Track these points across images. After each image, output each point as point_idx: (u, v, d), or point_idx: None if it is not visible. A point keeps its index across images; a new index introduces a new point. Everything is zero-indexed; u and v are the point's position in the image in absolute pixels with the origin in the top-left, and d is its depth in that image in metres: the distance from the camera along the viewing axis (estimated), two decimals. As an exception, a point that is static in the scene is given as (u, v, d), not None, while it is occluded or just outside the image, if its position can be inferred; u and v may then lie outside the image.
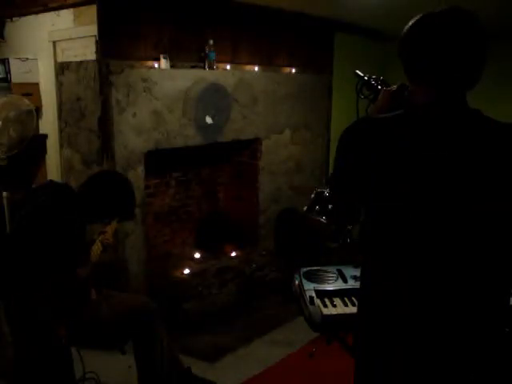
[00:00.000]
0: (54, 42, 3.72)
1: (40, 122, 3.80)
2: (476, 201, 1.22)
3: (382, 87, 1.57)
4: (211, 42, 3.64)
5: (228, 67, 3.93)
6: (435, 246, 1.24)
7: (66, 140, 3.51)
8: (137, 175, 3.33)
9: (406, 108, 1.31)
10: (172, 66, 3.50)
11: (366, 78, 1.65)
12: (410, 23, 1.28)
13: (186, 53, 3.66)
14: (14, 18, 3.90)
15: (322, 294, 2.08)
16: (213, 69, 3.70)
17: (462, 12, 1.23)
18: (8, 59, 3.79)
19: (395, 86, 1.46)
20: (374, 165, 1.26)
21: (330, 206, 3.02)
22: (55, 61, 3.70)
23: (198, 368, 2.82)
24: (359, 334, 1.45)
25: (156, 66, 3.43)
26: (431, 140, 1.22)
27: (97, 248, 2.39)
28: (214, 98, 3.69)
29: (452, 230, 1.23)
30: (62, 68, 3.42)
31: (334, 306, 2.01)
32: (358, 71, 1.70)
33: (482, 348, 1.30)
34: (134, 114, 3.25)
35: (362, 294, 1.46)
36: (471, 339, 1.28)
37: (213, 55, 3.67)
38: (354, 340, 1.49)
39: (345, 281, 2.22)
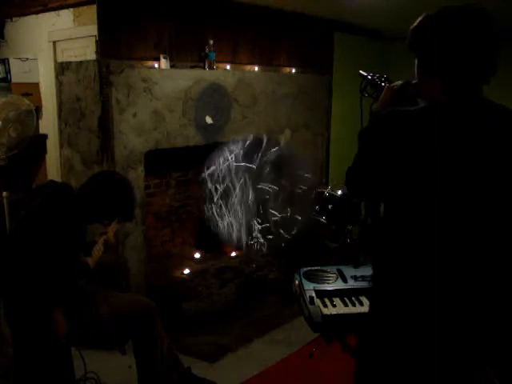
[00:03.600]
0: (54, 42, 3.72)
1: (40, 121, 3.80)
2: (488, 200, 1.23)
3: (385, 84, 1.60)
4: (211, 42, 3.64)
5: (228, 67, 3.94)
6: (447, 245, 1.24)
7: (65, 140, 3.51)
8: (137, 175, 3.33)
9: (415, 101, 1.33)
10: (172, 66, 3.50)
11: (369, 77, 1.68)
12: (423, 16, 1.30)
13: (185, 53, 3.66)
14: (13, 18, 3.90)
15: (321, 294, 2.08)
16: (213, 69, 3.70)
17: (476, 9, 1.24)
18: (8, 59, 3.79)
19: (399, 82, 1.48)
20: (391, 160, 1.27)
21: (330, 206, 3.03)
22: (55, 61, 3.70)
23: (198, 368, 2.82)
24: (371, 334, 1.44)
25: (156, 66, 3.43)
26: (445, 138, 1.23)
27: (98, 249, 2.39)
28: (214, 98, 3.70)
29: (464, 228, 1.24)
30: (62, 68, 3.42)
31: (334, 306, 2.01)
32: (361, 71, 1.73)
33: (490, 348, 1.31)
34: (134, 114, 3.25)
35: (375, 294, 1.45)
36: (479, 339, 1.29)
37: (213, 55, 3.67)
38: (360, 339, 1.49)
39: (345, 281, 2.22)
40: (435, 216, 1.23)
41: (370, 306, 1.49)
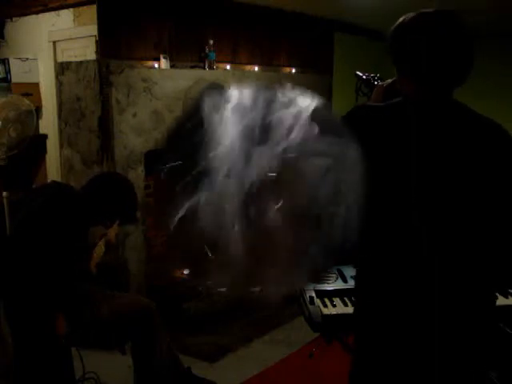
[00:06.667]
0: (54, 42, 3.73)
1: (40, 121, 3.80)
2: (461, 197, 1.23)
3: (377, 83, 1.62)
4: (211, 42, 3.64)
5: (228, 67, 3.94)
6: (430, 241, 1.24)
7: (65, 140, 3.51)
8: (137, 175, 3.33)
9: (395, 98, 1.34)
10: (172, 66, 3.50)
11: (364, 77, 1.71)
12: (401, 20, 1.31)
13: (185, 53, 3.66)
14: (14, 18, 3.90)
15: (322, 294, 2.08)
16: (213, 69, 3.70)
17: (450, 14, 1.26)
18: (8, 59, 3.79)
19: (389, 81, 1.50)
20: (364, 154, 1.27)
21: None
22: (55, 61, 3.70)
23: (198, 368, 2.82)
24: (360, 333, 1.44)
25: (156, 66, 3.43)
26: (423, 137, 1.24)
27: (99, 250, 2.39)
28: (214, 98, 3.69)
29: (442, 223, 1.24)
30: (62, 68, 3.42)
31: (334, 306, 2.01)
32: (358, 72, 1.75)
33: (478, 343, 1.31)
34: (134, 114, 3.25)
35: (361, 293, 1.45)
36: (468, 335, 1.29)
37: (213, 55, 3.67)
38: (355, 340, 1.49)
39: (345, 281, 2.22)
40: (412, 210, 1.23)
41: (357, 306, 1.48)
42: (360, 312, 1.43)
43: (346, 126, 1.24)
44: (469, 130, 1.25)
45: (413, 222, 1.24)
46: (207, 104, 0.95)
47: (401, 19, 1.31)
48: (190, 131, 0.98)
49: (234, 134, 0.93)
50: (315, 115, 0.96)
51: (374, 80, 1.69)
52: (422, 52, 1.26)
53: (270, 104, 0.95)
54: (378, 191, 1.27)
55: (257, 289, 0.98)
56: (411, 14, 1.29)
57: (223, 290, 1.02)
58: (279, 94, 0.96)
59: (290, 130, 0.93)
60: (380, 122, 1.28)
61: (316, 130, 0.95)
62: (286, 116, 0.94)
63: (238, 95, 0.95)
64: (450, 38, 1.23)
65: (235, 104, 0.95)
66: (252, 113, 0.94)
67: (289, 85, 0.99)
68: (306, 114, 0.94)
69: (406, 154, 1.24)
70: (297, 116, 0.94)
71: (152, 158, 3.42)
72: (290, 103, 0.95)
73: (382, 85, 1.52)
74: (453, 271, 1.25)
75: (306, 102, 0.95)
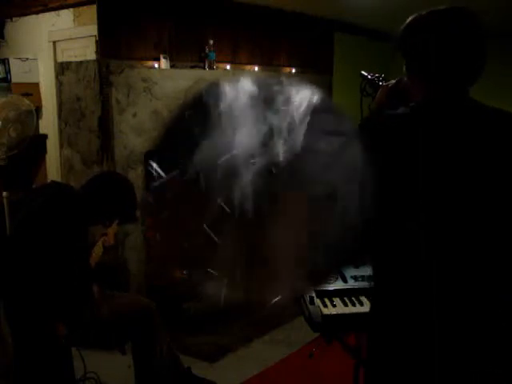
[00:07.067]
0: (54, 42, 3.73)
1: (40, 121, 3.80)
2: (482, 200, 1.22)
3: (382, 83, 1.61)
4: (211, 42, 3.64)
5: (228, 67, 3.94)
6: (441, 248, 1.23)
7: (65, 140, 3.51)
8: (137, 175, 3.33)
9: (406, 103, 1.33)
10: (172, 66, 3.50)
11: (369, 77, 1.70)
12: (411, 18, 1.30)
13: (185, 53, 3.66)
14: (14, 18, 3.91)
15: (322, 294, 2.08)
16: (213, 69, 3.70)
17: (461, 11, 1.24)
18: (8, 59, 3.79)
19: (393, 81, 1.49)
20: (380, 165, 1.26)
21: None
22: (55, 61, 3.71)
23: (198, 368, 2.82)
24: (376, 335, 1.44)
25: (156, 66, 3.43)
26: (434, 139, 1.22)
27: (98, 249, 2.39)
28: (214, 97, 3.69)
29: (458, 229, 1.23)
30: (62, 68, 3.42)
31: (334, 306, 2.01)
32: (363, 72, 1.75)
33: (479, 345, 1.31)
34: (134, 114, 3.25)
35: (376, 295, 1.45)
36: (479, 339, 1.29)
37: (213, 55, 3.67)
38: (368, 341, 1.49)
39: (345, 281, 2.22)
40: (421, 218, 1.22)
41: (371, 308, 1.49)
42: (371, 312, 1.44)
43: (363, 135, 1.24)
44: (484, 129, 1.23)
45: (409, 225, 1.23)
46: (205, 101, 0.95)
47: (410, 18, 1.30)
48: (188, 127, 0.97)
49: (236, 130, 0.93)
50: (317, 112, 0.95)
51: (379, 80, 1.68)
52: (431, 50, 1.24)
53: (273, 99, 0.94)
54: (388, 194, 1.27)
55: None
56: (421, 13, 1.28)
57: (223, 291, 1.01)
58: (281, 90, 0.96)
59: (292, 126, 0.93)
60: (397, 130, 1.27)
61: (317, 127, 0.94)
62: (287, 111, 0.93)
63: (237, 91, 0.95)
64: (461, 35, 1.22)
65: (235, 100, 0.94)
66: (253, 108, 0.93)
67: (291, 81, 0.98)
68: (308, 110, 0.93)
69: (416, 156, 1.22)
70: (299, 112, 0.94)
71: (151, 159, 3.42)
72: (292, 100, 0.94)
73: (387, 85, 1.51)
74: (452, 275, 1.25)
75: (309, 98, 0.95)
